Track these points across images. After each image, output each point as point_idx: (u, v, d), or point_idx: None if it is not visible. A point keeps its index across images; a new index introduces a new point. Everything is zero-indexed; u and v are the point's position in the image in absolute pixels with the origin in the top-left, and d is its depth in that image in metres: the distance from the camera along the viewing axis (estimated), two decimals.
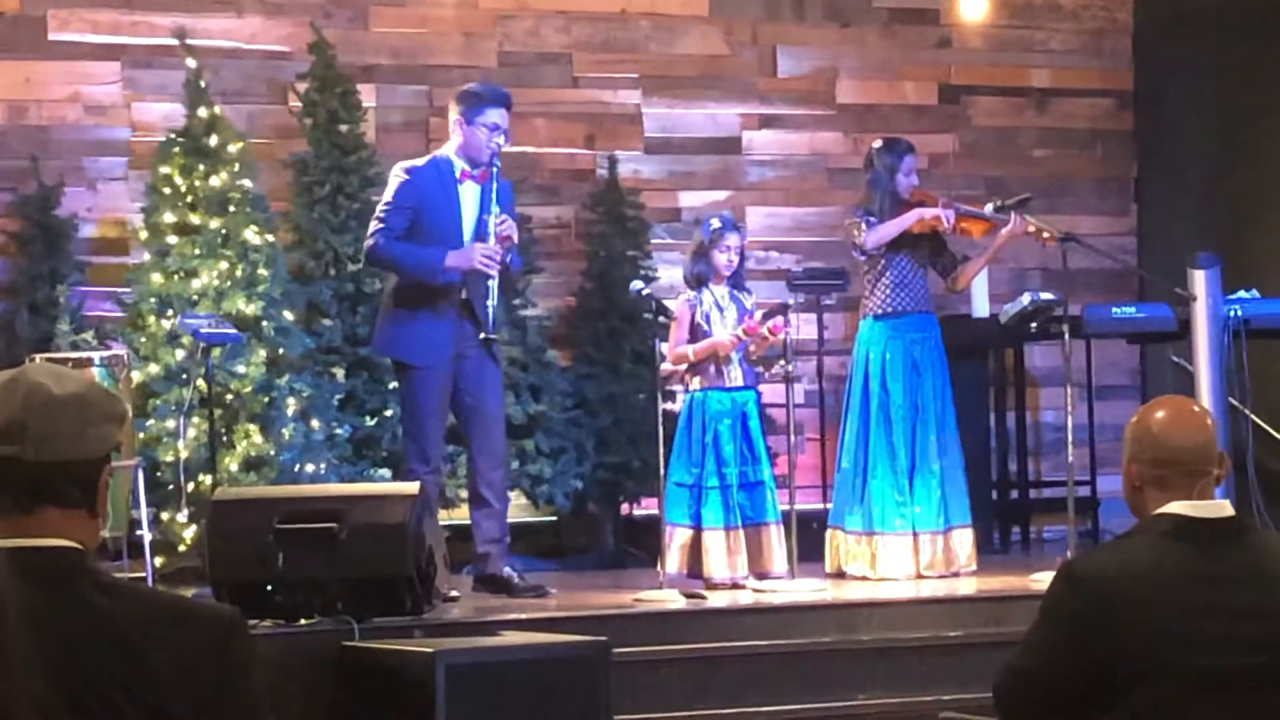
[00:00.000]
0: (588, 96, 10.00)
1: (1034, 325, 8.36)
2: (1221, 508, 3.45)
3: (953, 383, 8.23)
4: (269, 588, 6.37)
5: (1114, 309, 8.66)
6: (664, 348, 7.86)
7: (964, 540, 8.12)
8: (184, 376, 8.23)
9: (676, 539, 7.68)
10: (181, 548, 8.12)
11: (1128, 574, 3.35)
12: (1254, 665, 3.31)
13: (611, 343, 9.53)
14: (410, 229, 7.42)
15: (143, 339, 8.44)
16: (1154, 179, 10.78)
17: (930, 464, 8.07)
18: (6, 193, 8.88)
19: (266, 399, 8.38)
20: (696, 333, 7.78)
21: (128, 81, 9.20)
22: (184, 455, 8.03)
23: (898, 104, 10.50)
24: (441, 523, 7.74)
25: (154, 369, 8.35)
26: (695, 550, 7.67)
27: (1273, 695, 3.32)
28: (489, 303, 7.40)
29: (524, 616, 6.79)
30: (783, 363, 7.88)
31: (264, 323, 8.46)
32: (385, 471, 8.73)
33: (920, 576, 7.99)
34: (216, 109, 8.76)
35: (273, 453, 8.27)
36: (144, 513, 7.72)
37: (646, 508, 9.26)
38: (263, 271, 8.55)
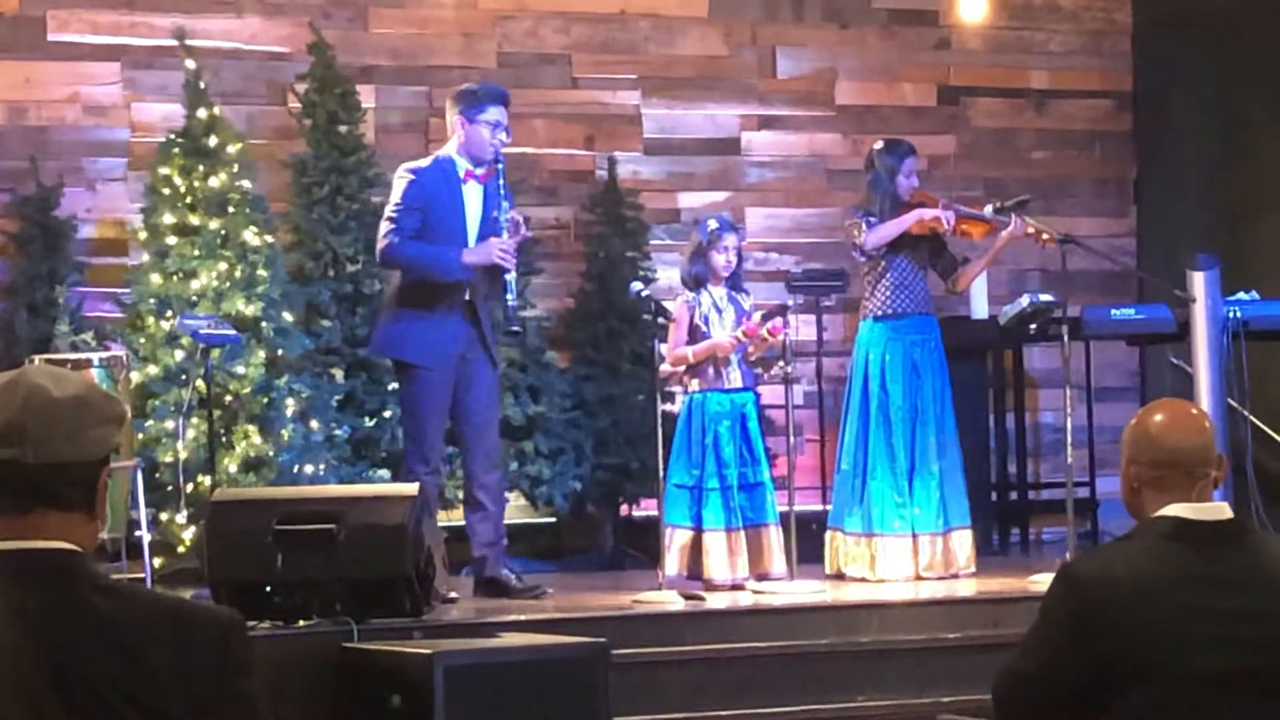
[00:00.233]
0: (587, 97, 9.99)
1: (1033, 327, 8.37)
2: (1220, 510, 3.45)
3: (952, 384, 8.22)
4: (268, 589, 6.36)
5: (1113, 310, 8.67)
6: (663, 349, 7.85)
7: (963, 542, 8.12)
8: (183, 377, 8.22)
9: (676, 540, 7.67)
10: (180, 549, 8.12)
11: (1127, 576, 3.35)
12: (1253, 666, 3.32)
13: (610, 344, 9.52)
14: (418, 230, 7.41)
15: (142, 340, 8.44)
16: (1153, 180, 10.78)
17: (930, 465, 8.06)
18: (6, 193, 8.87)
19: (265, 400, 8.38)
20: (695, 334, 7.78)
21: (127, 82, 9.20)
22: (183, 456, 8.03)
23: (897, 105, 10.50)
24: (441, 524, 7.73)
25: (153, 370, 8.35)
26: (695, 551, 7.67)
27: (1272, 696, 3.32)
28: (509, 297, 7.38)
29: (523, 618, 6.78)
30: (782, 364, 7.87)
31: (263, 323, 8.46)
32: (384, 472, 8.73)
33: (919, 578, 7.99)
34: (216, 110, 8.76)
35: (272, 454, 8.27)
36: (143, 514, 7.73)
37: (645, 509, 9.26)
38: (262, 272, 8.55)
